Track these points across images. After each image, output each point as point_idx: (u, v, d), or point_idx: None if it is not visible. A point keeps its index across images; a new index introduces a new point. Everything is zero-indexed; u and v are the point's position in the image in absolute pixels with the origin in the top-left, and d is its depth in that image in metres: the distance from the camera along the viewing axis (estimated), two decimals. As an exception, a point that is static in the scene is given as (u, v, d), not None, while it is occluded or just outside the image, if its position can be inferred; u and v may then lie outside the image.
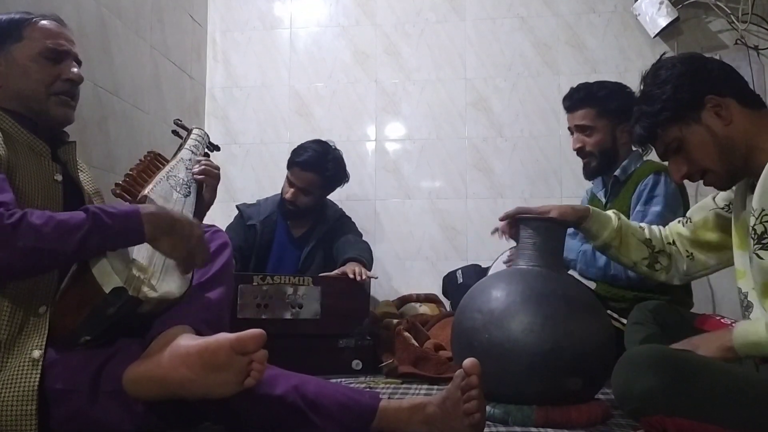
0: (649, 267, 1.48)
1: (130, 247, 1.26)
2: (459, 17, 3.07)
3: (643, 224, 1.54)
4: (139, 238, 1.22)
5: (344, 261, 2.32)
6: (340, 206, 2.73)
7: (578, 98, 2.11)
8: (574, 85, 2.17)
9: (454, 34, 3.07)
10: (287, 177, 2.54)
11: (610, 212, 1.52)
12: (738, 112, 1.18)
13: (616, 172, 2.09)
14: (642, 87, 1.27)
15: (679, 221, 1.48)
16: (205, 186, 1.59)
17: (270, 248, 2.57)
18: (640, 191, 1.97)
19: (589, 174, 2.16)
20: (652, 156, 2.09)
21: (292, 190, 2.50)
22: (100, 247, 1.18)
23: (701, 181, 1.24)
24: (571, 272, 1.87)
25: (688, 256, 1.46)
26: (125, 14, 2.46)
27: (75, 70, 1.37)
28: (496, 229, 1.65)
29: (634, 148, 2.09)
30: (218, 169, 1.64)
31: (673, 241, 1.48)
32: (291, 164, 2.52)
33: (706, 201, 1.40)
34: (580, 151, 2.13)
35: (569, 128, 2.16)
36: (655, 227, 1.53)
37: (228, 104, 3.19)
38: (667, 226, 1.51)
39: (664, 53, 1.33)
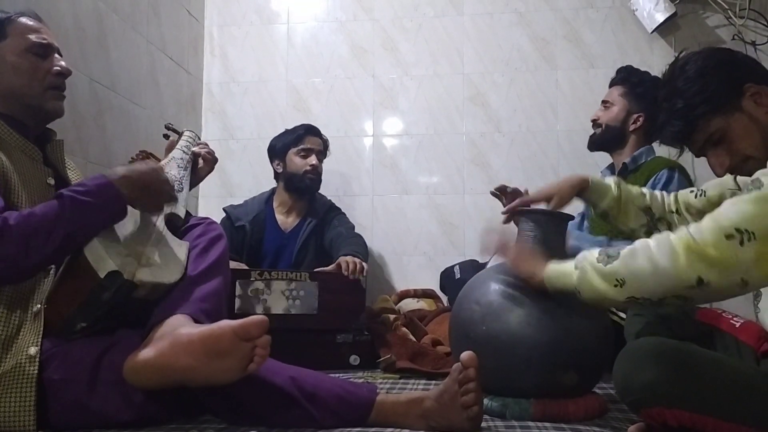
0: (647, 234, 1.47)
1: (116, 222, 1.26)
2: (457, 12, 3.06)
3: (645, 190, 1.53)
4: (122, 206, 1.24)
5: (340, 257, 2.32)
6: (337, 199, 2.73)
7: (617, 77, 2.28)
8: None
9: (452, 28, 3.06)
10: (300, 150, 2.60)
11: (611, 181, 1.50)
12: None
13: (626, 160, 2.15)
14: (667, 86, 1.24)
15: (691, 191, 1.46)
16: (202, 160, 1.73)
17: (261, 246, 2.57)
18: (653, 185, 2.02)
19: (590, 143, 2.31)
20: (664, 152, 2.13)
21: (313, 155, 2.61)
22: (86, 226, 1.19)
23: (699, 179, 1.22)
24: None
25: None
26: (121, 9, 2.45)
27: (63, 63, 1.40)
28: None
29: (672, 149, 2.12)
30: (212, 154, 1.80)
31: (677, 210, 1.46)
32: (300, 136, 2.62)
33: (725, 178, 1.37)
34: (594, 123, 2.28)
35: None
36: (657, 192, 1.52)
37: (225, 99, 3.18)
38: (673, 194, 1.50)
39: (682, 50, 1.30)
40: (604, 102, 2.27)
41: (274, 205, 2.67)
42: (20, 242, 1.12)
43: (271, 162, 2.69)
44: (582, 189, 1.49)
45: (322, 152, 2.67)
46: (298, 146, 2.61)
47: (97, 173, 1.28)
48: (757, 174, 1.04)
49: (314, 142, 2.64)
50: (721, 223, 0.99)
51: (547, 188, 1.50)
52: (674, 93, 1.21)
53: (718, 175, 1.23)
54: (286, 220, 2.63)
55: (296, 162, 2.60)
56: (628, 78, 2.23)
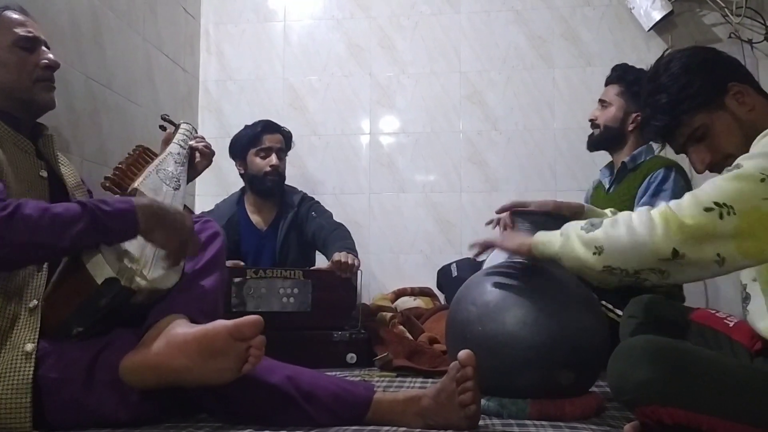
0: None
1: (122, 242, 1.25)
2: (454, 10, 3.06)
3: None
4: (133, 234, 1.21)
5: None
6: (333, 197, 2.71)
7: (613, 75, 2.27)
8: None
9: (449, 26, 3.06)
10: (258, 151, 2.52)
11: (607, 210, 1.51)
12: (756, 98, 1.19)
13: (625, 159, 2.15)
14: (652, 82, 1.25)
15: None
16: (200, 155, 1.70)
17: (239, 248, 2.53)
18: (649, 183, 2.02)
19: (589, 143, 2.30)
20: (663, 151, 2.14)
21: (273, 155, 2.53)
22: (94, 242, 1.18)
23: (698, 179, 1.24)
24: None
25: None
26: (118, 6, 2.44)
27: (51, 55, 1.39)
28: (492, 221, 1.66)
29: (655, 145, 2.12)
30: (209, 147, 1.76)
31: None
32: (257, 136, 2.54)
33: None
34: (592, 123, 2.27)
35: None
36: None
37: (222, 97, 3.17)
38: None
39: (666, 49, 1.32)
40: (601, 101, 2.26)
41: (246, 205, 2.62)
42: (27, 233, 1.10)
43: (235, 163, 2.62)
44: (577, 213, 1.49)
45: (283, 149, 2.59)
46: (257, 146, 2.53)
47: (126, 197, 1.25)
48: (738, 159, 1.07)
49: (273, 140, 2.55)
50: (699, 198, 1.02)
51: (544, 202, 1.50)
52: (658, 89, 1.23)
53: (699, 172, 1.25)
54: (260, 220, 2.59)
55: (256, 163, 2.53)
56: (623, 76, 2.22)
